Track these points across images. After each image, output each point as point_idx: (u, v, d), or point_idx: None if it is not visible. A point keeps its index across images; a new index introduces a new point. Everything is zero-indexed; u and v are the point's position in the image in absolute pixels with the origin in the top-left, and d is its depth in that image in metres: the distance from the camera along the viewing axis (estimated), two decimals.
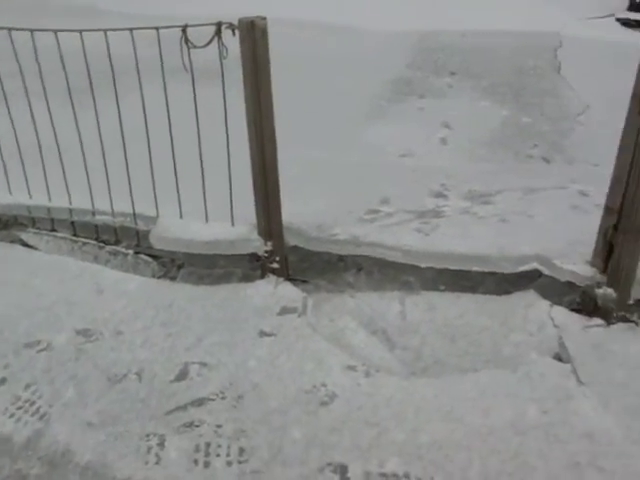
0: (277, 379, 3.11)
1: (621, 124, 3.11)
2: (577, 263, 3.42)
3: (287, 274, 3.77)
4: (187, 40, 3.32)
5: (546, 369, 3.14)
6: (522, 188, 4.35)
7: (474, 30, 8.12)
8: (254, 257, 3.77)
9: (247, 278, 3.81)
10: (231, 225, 3.78)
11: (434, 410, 2.96)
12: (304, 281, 3.85)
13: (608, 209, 3.20)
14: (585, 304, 3.39)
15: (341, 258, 3.90)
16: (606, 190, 3.26)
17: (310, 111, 5.67)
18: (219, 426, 2.89)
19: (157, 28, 3.34)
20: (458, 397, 3.02)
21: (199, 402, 3.01)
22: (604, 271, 3.29)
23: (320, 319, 3.52)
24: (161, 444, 2.83)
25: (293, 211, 3.91)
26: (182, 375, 3.14)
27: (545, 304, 3.47)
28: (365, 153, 4.95)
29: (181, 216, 3.90)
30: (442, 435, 2.85)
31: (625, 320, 3.29)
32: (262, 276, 3.74)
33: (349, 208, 4.05)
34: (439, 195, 4.22)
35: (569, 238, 3.66)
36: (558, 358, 3.24)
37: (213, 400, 3.02)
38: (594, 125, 5.43)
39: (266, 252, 3.70)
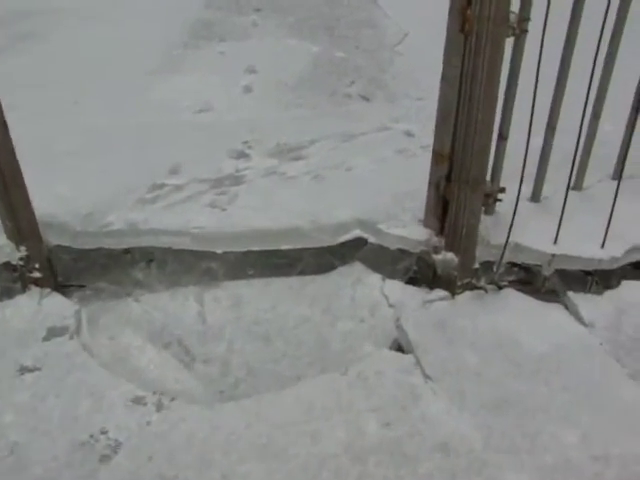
0: (43, 433, 2.33)
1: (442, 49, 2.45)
2: (407, 224, 2.77)
3: (55, 282, 2.94)
4: None
5: (383, 365, 2.50)
6: (339, 134, 3.67)
7: None
8: (10, 267, 2.90)
9: (7, 294, 2.94)
10: None
11: (247, 445, 2.27)
12: (81, 286, 3.03)
13: (437, 155, 2.54)
14: (423, 274, 2.75)
15: (127, 249, 3.09)
16: (433, 127, 2.61)
17: (92, 68, 4.75)
18: None
19: None
20: (277, 421, 2.34)
21: None
22: (441, 232, 2.65)
23: (98, 338, 2.73)
24: None
25: (60, 198, 3.08)
26: None
27: (376, 278, 2.83)
28: (155, 113, 4.11)
29: None
30: (260, 478, 2.15)
31: (472, 287, 2.69)
32: (23, 290, 2.89)
33: (129, 185, 3.23)
34: (240, 155, 3.48)
35: (395, 192, 3.02)
36: (397, 347, 2.61)
37: None
38: (414, 54, 4.81)
39: (21, 259, 2.84)
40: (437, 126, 2.50)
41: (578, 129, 2.63)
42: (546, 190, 2.95)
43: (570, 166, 2.68)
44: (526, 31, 2.35)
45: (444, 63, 2.40)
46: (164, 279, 3.01)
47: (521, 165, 2.54)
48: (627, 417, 2.35)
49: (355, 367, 2.50)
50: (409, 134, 3.61)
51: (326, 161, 3.37)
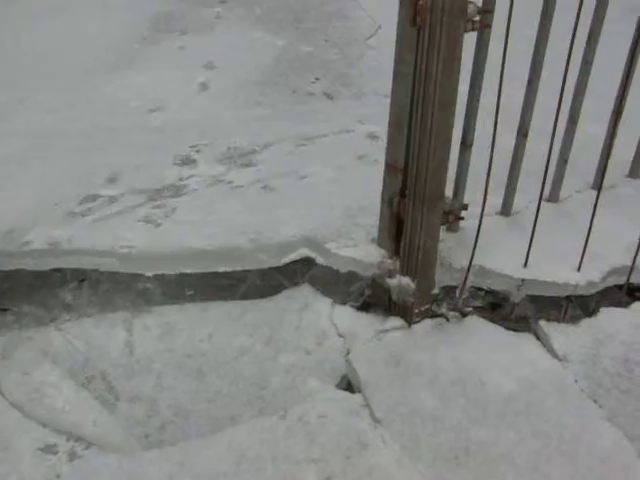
0: None
1: None
2: (359, 244, 2.46)
3: None
4: None
5: (328, 407, 2.19)
6: (296, 137, 3.36)
7: None
8: None
9: None
10: None
11: None
12: (4, 309, 2.71)
13: (390, 168, 2.23)
14: (379, 298, 2.44)
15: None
16: None
17: (41, 64, 4.42)
18: None
19: None
20: (204, 472, 2.06)
21: None
22: (396, 253, 2.33)
23: (11, 373, 2.40)
24: None
25: None
26: None
27: (325, 304, 2.51)
28: (104, 114, 3.79)
29: None
30: None
31: (432, 315, 2.38)
32: None
33: (60, 197, 2.91)
34: (187, 161, 3.16)
35: (349, 205, 2.71)
36: (346, 385, 2.29)
37: None
38: (386, 47, 4.44)
39: None
40: (390, 134, 2.19)
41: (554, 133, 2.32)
42: (519, 202, 2.64)
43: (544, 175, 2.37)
44: (488, 25, 2.03)
45: (395, 59, 2.08)
46: (95, 301, 2.69)
47: (493, 175, 2.24)
48: (603, 467, 2.05)
49: (296, 409, 2.20)
50: (372, 136, 3.30)
51: (278, 168, 3.06)
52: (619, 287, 2.47)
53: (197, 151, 3.27)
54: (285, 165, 3.09)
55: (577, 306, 2.44)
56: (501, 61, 2.04)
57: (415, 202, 2.15)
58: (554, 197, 2.66)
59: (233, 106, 3.82)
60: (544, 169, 2.37)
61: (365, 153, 3.16)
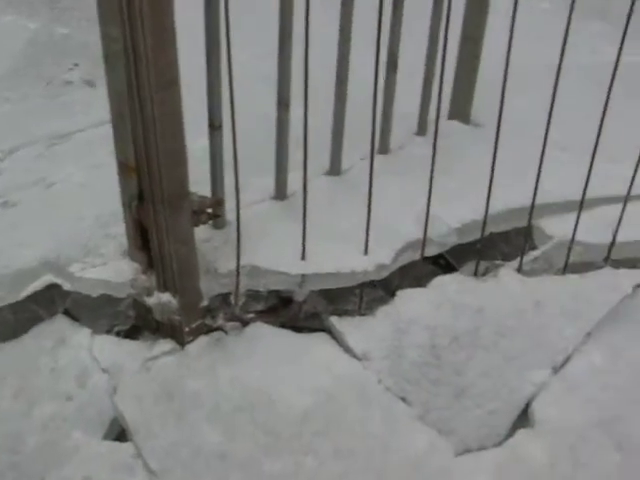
0: None
1: None
2: (109, 260, 2.06)
3: None
4: None
5: (94, 465, 1.81)
6: (49, 135, 2.91)
7: None
8: None
9: None
10: None
11: None
12: None
13: (122, 167, 1.84)
14: (145, 319, 2.06)
15: None
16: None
17: None
18: None
19: None
20: None
21: None
22: (150, 266, 1.95)
23: None
24: None
25: None
26: None
27: (83, 335, 2.10)
28: None
29: None
30: None
31: (207, 330, 2.02)
32: None
33: None
34: None
35: (101, 212, 2.29)
36: (119, 430, 1.90)
37: None
38: None
39: None
40: (114, 126, 1.79)
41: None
42: (297, 181, 2.30)
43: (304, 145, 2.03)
44: None
45: (102, 36, 1.68)
46: None
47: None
48: (418, 475, 1.78)
49: (55, 475, 1.80)
50: None
51: (24, 177, 2.60)
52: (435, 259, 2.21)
53: None
54: (32, 172, 2.64)
55: (378, 288, 2.15)
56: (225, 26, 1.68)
57: (155, 205, 1.77)
58: (335, 169, 2.36)
59: None
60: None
61: None
